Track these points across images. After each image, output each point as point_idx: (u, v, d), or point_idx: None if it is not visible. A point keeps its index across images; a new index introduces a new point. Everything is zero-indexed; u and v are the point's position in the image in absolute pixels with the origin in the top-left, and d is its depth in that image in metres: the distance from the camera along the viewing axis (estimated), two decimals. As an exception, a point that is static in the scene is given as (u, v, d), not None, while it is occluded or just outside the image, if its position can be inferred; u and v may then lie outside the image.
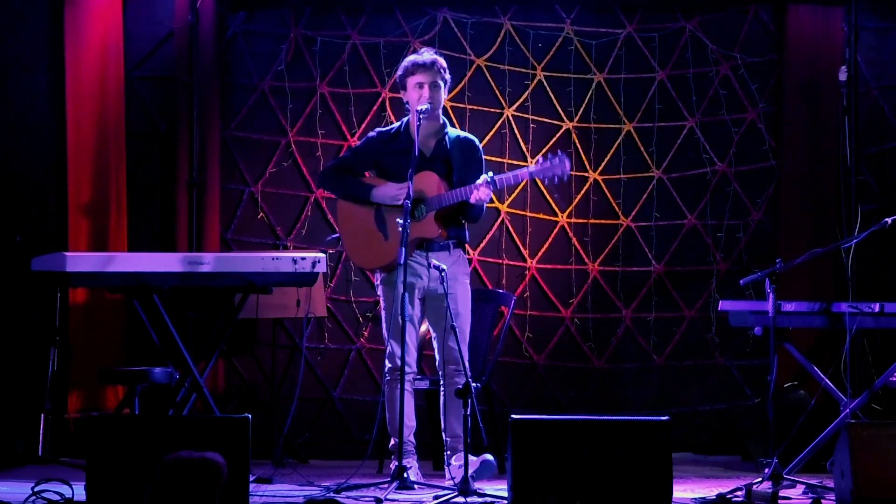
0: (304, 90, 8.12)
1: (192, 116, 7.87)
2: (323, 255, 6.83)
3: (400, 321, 6.09)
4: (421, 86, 6.31)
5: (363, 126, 8.07)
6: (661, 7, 8.21)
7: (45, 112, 7.91)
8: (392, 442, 6.31)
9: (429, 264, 6.16)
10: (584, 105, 8.19)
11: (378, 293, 6.49)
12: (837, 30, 8.06)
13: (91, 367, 7.52)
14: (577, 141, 8.17)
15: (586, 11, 8.20)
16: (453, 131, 6.47)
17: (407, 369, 6.24)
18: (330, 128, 8.12)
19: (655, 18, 8.22)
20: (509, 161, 8.08)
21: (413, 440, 6.38)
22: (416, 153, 6.16)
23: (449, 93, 7.83)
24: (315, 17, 8.15)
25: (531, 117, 8.17)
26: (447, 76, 6.39)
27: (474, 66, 8.14)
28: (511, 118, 8.15)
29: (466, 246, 6.52)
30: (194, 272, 6.60)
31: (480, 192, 6.19)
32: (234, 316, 6.91)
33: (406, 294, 5.96)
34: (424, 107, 6.27)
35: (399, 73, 6.42)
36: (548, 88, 8.19)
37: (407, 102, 6.40)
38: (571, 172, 6.37)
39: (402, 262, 5.92)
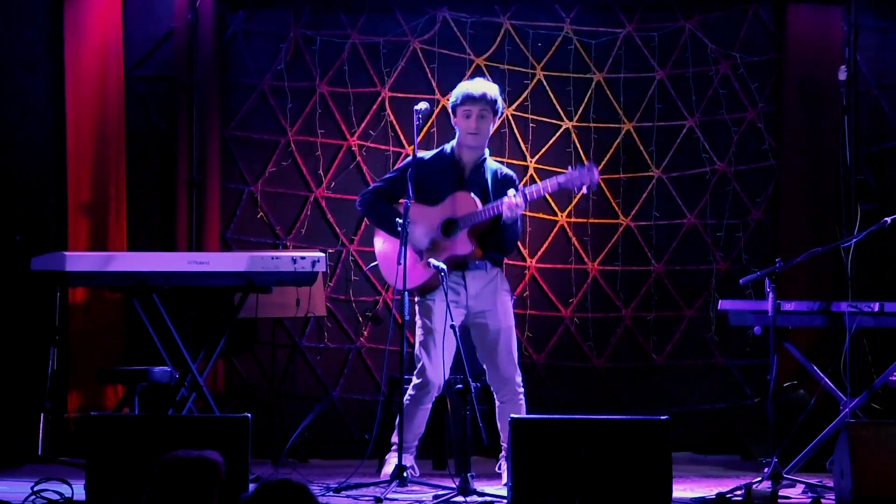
0: (303, 89, 8.12)
1: (192, 116, 7.87)
2: (322, 254, 6.82)
3: (437, 345, 6.14)
4: (469, 115, 6.32)
5: (363, 125, 8.07)
6: (660, 6, 8.21)
7: (44, 111, 7.90)
8: (394, 439, 6.35)
9: (428, 264, 6.14)
10: (583, 104, 8.20)
11: (415, 311, 6.41)
12: (837, 29, 8.07)
13: (91, 367, 7.52)
14: (576, 140, 8.18)
15: (586, 11, 8.21)
16: (493, 164, 6.46)
17: (433, 389, 6.29)
18: (329, 127, 8.12)
19: (655, 18, 8.23)
20: (509, 161, 8.08)
21: (416, 443, 6.41)
22: (415, 155, 6.16)
23: (445, 94, 7.89)
24: (314, 17, 8.15)
25: (531, 117, 8.17)
26: (498, 106, 6.35)
27: (474, 65, 8.14)
28: (510, 117, 8.15)
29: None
30: (194, 271, 6.60)
31: (511, 204, 6.13)
32: (234, 315, 6.91)
33: (449, 317, 5.94)
34: (423, 105, 6.27)
35: (451, 100, 6.40)
36: (547, 88, 8.19)
37: (456, 125, 6.38)
38: (598, 180, 6.31)
39: (400, 262, 5.91)
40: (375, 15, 8.15)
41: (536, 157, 8.14)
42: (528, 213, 8.13)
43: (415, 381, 6.34)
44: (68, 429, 7.64)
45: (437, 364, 6.24)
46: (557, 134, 8.18)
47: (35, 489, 5.57)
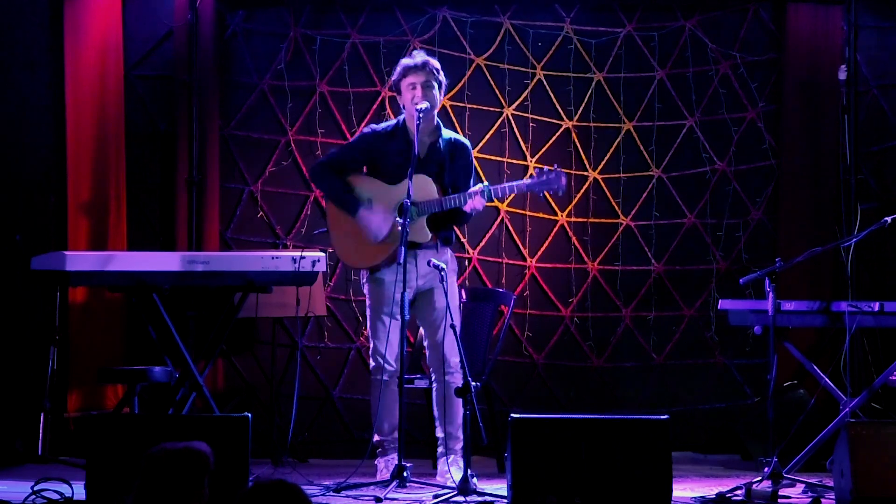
0: (303, 89, 8.12)
1: (192, 115, 7.87)
2: (322, 254, 6.84)
3: (386, 321, 6.24)
4: (414, 86, 6.35)
5: (363, 125, 8.06)
6: (660, 6, 8.21)
7: (44, 111, 7.90)
8: (375, 438, 6.38)
9: (428, 263, 6.16)
10: (583, 104, 8.19)
11: (364, 291, 6.52)
12: (837, 29, 8.07)
13: (91, 366, 7.52)
14: (576, 140, 8.17)
15: (586, 10, 8.20)
16: (447, 133, 6.51)
17: (389, 368, 6.30)
18: (329, 127, 8.12)
19: (655, 17, 8.22)
20: (509, 160, 8.08)
21: (395, 436, 6.41)
22: (416, 152, 6.18)
23: (447, 93, 7.88)
24: (314, 16, 8.15)
25: (531, 116, 8.17)
26: (441, 77, 6.44)
27: (474, 65, 8.13)
28: (511, 117, 8.15)
29: (465, 243, 6.54)
30: (194, 271, 6.61)
31: (475, 201, 6.25)
32: (234, 315, 6.91)
33: (399, 292, 5.97)
34: (424, 105, 6.29)
35: (394, 77, 6.47)
36: (547, 87, 8.19)
37: (403, 106, 6.43)
38: (566, 185, 6.39)
39: (401, 261, 5.93)
40: (375, 14, 8.15)
41: (536, 156, 8.13)
42: (528, 213, 8.14)
43: (372, 363, 6.41)
44: (68, 428, 7.64)
45: (390, 343, 6.26)
46: (557, 133, 8.18)
47: (35, 489, 5.58)
